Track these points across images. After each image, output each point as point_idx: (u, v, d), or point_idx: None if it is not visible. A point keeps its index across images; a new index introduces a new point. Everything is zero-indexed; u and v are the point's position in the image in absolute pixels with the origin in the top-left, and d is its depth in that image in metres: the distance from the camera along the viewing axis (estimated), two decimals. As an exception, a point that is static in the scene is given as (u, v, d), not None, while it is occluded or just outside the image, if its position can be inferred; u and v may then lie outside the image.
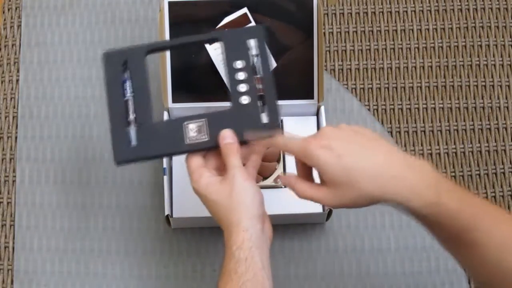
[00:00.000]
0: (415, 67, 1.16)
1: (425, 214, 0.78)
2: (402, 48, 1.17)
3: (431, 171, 0.79)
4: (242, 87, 0.91)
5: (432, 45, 1.17)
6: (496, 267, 0.78)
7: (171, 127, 0.90)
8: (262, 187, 1.03)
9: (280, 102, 1.04)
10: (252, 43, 0.92)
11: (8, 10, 1.19)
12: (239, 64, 0.91)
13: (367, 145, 0.80)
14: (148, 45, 0.94)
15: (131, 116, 0.90)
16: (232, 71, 0.91)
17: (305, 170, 0.86)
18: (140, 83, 0.91)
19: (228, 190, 0.83)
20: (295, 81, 1.04)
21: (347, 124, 0.83)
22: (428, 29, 1.18)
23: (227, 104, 1.04)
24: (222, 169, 0.87)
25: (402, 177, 0.78)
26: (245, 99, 0.90)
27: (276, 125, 0.89)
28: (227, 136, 0.86)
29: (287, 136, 0.84)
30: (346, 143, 0.79)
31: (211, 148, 0.88)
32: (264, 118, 0.90)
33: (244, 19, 1.03)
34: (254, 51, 0.92)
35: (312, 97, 1.05)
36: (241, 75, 0.91)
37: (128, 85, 0.91)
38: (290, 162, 1.05)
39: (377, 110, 1.14)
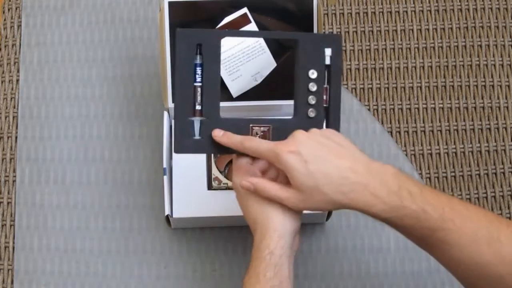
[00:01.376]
0: (415, 67, 1.16)
1: (388, 217, 0.80)
2: (402, 48, 1.17)
3: (395, 175, 0.81)
4: (312, 99, 0.89)
5: (432, 45, 1.17)
6: (470, 263, 0.80)
7: (237, 127, 0.88)
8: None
9: (280, 103, 1.04)
10: (328, 52, 0.89)
11: (8, 10, 1.19)
12: (313, 73, 0.89)
13: (334, 151, 0.82)
14: (224, 32, 0.91)
15: (198, 106, 0.87)
16: (306, 80, 0.89)
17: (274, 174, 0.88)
18: (213, 71, 0.87)
19: None
20: (295, 81, 1.04)
21: (319, 129, 0.85)
22: (428, 29, 1.18)
23: (227, 104, 1.04)
24: (265, 173, 0.88)
25: (364, 183, 0.80)
26: (312, 112, 0.90)
27: None
28: None
29: (257, 140, 0.86)
30: (314, 149, 0.82)
31: None
32: None
33: (244, 19, 1.03)
34: (327, 60, 0.89)
35: (312, 97, 1.05)
36: (313, 86, 0.89)
37: (200, 71, 0.87)
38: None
39: (377, 110, 1.14)
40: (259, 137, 0.89)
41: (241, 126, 0.88)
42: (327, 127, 0.91)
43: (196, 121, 0.88)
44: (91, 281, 1.06)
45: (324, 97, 0.90)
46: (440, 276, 1.05)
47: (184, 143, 0.88)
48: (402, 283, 1.05)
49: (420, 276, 1.06)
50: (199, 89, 0.87)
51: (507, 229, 0.79)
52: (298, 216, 0.85)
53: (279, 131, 0.89)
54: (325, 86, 0.90)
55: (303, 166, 0.81)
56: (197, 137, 0.88)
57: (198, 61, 0.87)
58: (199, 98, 0.87)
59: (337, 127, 0.90)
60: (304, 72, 0.89)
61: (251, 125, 0.88)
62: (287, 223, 0.84)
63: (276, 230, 0.83)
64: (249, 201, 0.86)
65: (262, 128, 0.89)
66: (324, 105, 0.90)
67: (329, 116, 0.90)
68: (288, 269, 0.84)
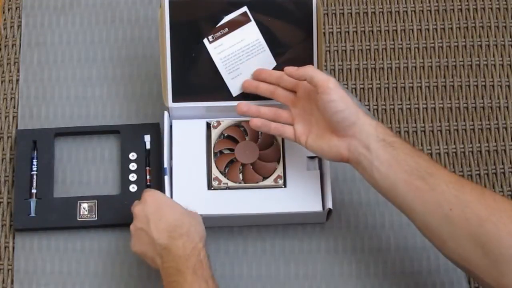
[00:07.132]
0: (415, 67, 1.16)
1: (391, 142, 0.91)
2: (402, 48, 1.17)
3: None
4: (133, 176, 1.07)
5: (432, 45, 1.17)
6: (455, 200, 0.87)
7: (66, 204, 1.06)
8: (262, 187, 1.04)
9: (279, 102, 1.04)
10: (147, 138, 1.08)
11: (8, 10, 1.19)
12: (133, 155, 1.07)
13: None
14: (56, 129, 1.09)
15: (33, 190, 1.06)
16: (126, 161, 1.07)
17: None
18: (46, 162, 1.07)
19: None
20: (295, 80, 1.04)
21: None
22: (428, 29, 1.18)
23: (227, 103, 1.05)
24: None
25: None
26: (133, 187, 1.06)
27: None
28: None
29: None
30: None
31: (97, 227, 1.05)
32: None
33: (244, 18, 1.03)
34: (147, 145, 1.07)
35: (312, 97, 1.05)
36: (133, 166, 1.07)
37: (36, 162, 1.07)
38: (290, 162, 1.05)
39: (377, 110, 1.14)
40: (86, 211, 1.05)
41: (69, 204, 1.06)
42: None
43: (32, 201, 1.05)
44: (91, 281, 1.06)
45: (148, 177, 1.07)
46: (440, 276, 1.05)
47: (22, 220, 1.05)
48: (402, 284, 1.05)
49: (420, 276, 1.05)
50: (34, 176, 1.07)
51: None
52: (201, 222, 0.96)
53: (105, 205, 1.05)
54: (149, 168, 1.07)
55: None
56: (32, 215, 1.05)
57: (34, 154, 1.08)
58: (34, 183, 1.06)
59: None
60: (127, 155, 1.07)
61: (78, 201, 1.05)
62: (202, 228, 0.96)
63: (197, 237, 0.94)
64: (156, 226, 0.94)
65: (88, 203, 1.05)
66: (147, 184, 1.06)
67: None
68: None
